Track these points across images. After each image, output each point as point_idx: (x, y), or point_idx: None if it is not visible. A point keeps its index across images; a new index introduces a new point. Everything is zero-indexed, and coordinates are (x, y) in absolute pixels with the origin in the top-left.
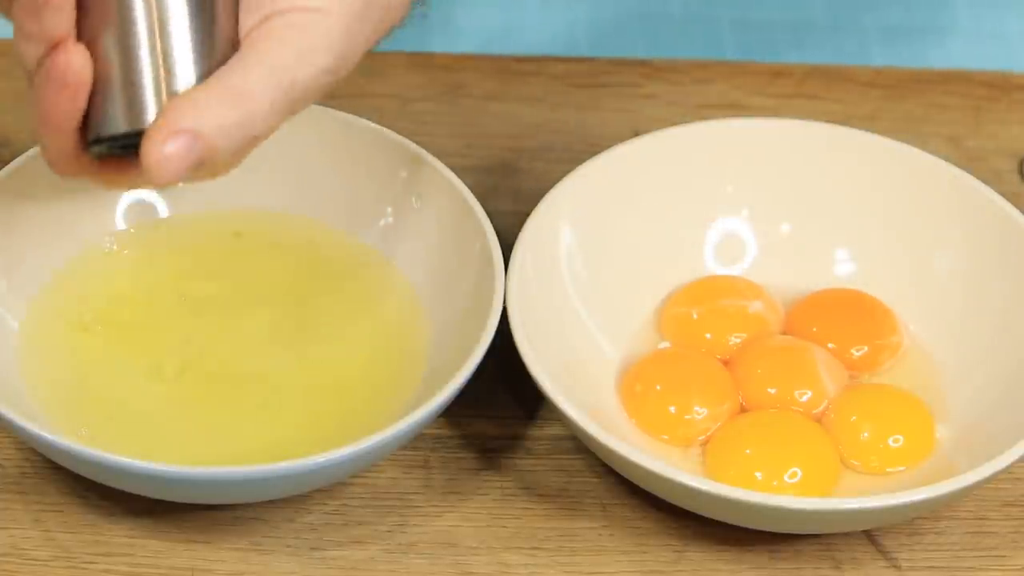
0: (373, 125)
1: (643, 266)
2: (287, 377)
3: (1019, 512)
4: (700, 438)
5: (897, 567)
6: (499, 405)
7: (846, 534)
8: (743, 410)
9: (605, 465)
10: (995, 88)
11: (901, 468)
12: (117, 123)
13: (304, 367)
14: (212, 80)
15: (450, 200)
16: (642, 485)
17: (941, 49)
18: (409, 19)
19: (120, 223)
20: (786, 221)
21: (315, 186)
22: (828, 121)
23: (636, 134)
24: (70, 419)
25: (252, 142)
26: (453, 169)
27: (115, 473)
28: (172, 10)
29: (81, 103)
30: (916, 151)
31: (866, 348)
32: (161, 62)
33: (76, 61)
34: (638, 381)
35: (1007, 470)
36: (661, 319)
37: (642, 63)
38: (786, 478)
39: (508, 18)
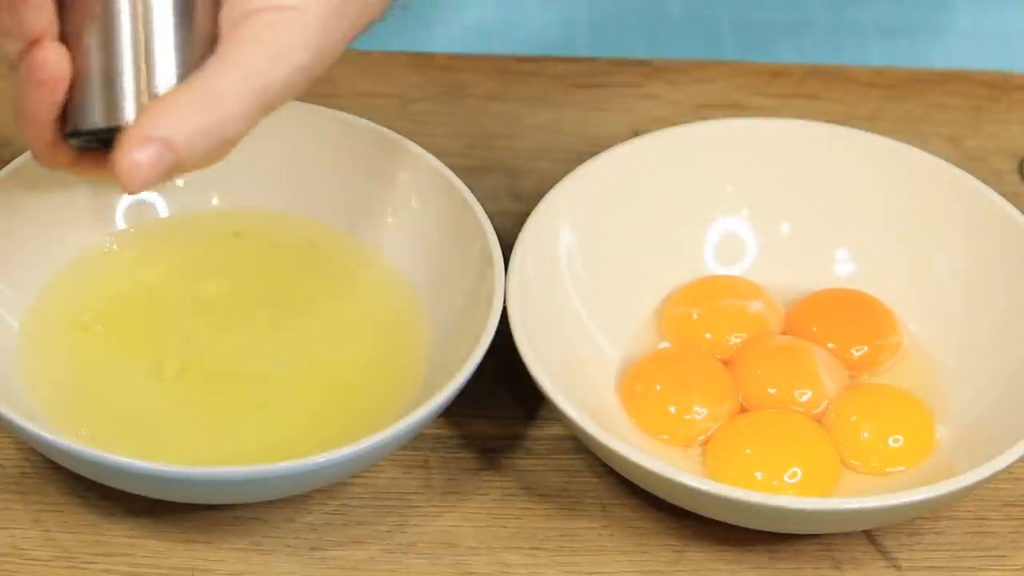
0: (373, 125)
1: (643, 266)
2: (287, 377)
3: (1019, 512)
4: (700, 438)
5: (897, 567)
6: (499, 405)
7: (846, 534)
8: (743, 410)
9: (605, 465)
10: (995, 88)
11: (901, 468)
12: (94, 118)
13: (304, 367)
14: (186, 84)
15: (450, 200)
16: (642, 485)
17: (941, 49)
18: (390, 13)
19: (120, 223)
20: (786, 221)
21: (315, 186)
22: (828, 121)
23: (636, 134)
24: (70, 419)
25: (224, 145)
26: (453, 169)
27: (115, 473)
28: (151, 8)
29: (58, 98)
30: (916, 151)
31: (866, 348)
32: (139, 59)
33: (52, 58)
34: (638, 381)
35: (1007, 470)
36: (661, 319)
37: (642, 63)
38: (786, 478)
39: (508, 18)
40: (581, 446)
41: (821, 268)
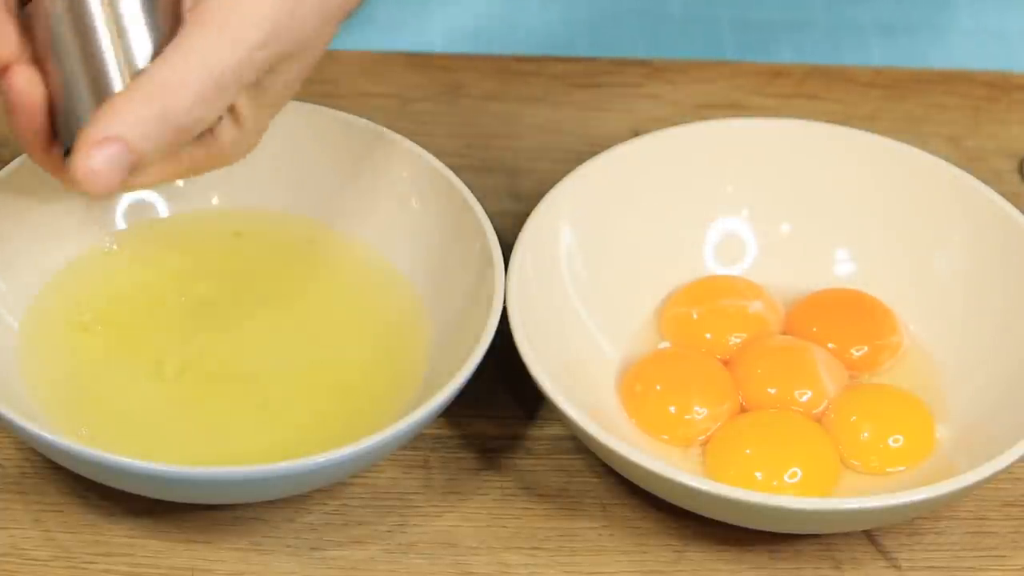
0: (373, 125)
1: (643, 266)
2: (287, 377)
3: (1019, 512)
4: (700, 438)
5: (897, 567)
6: (499, 405)
7: (846, 534)
8: (743, 410)
9: (605, 465)
10: (995, 88)
11: (901, 468)
12: (72, 135)
13: (304, 367)
14: (138, 77)
15: (450, 200)
16: (642, 485)
17: (941, 49)
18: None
19: (120, 223)
20: (786, 221)
21: (315, 186)
22: (828, 121)
23: (636, 134)
24: (70, 419)
25: (182, 134)
26: (453, 169)
27: (115, 473)
28: (122, 17)
29: (36, 119)
30: (916, 151)
31: (866, 348)
32: (116, 69)
33: (21, 83)
34: (638, 381)
35: (1007, 470)
36: (661, 319)
37: (642, 63)
38: (786, 478)
39: (508, 17)
40: (581, 446)
41: (821, 268)
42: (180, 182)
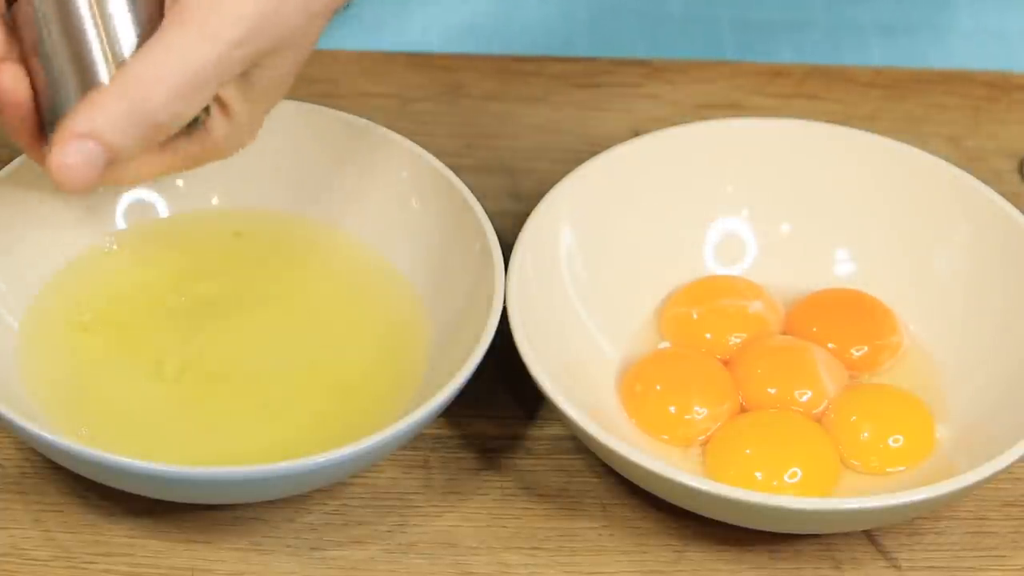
0: (373, 125)
1: (643, 266)
2: (287, 377)
3: (1019, 512)
4: (700, 438)
5: (897, 567)
6: (499, 405)
7: (846, 534)
8: (743, 410)
9: (605, 465)
10: (995, 88)
11: (901, 468)
12: None
13: (304, 367)
14: (115, 73)
15: (450, 200)
16: (642, 485)
17: (941, 49)
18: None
19: (120, 223)
20: (786, 221)
21: (315, 186)
22: (828, 121)
23: (636, 134)
24: (70, 419)
25: (158, 129)
26: (453, 169)
27: (115, 473)
28: (108, 14)
29: (25, 116)
30: (916, 151)
31: (866, 348)
32: (100, 66)
33: (7, 81)
34: (638, 381)
35: (1007, 470)
36: (661, 319)
37: (642, 63)
38: (786, 478)
39: (507, 17)
40: (581, 446)
41: (821, 268)
42: (180, 182)
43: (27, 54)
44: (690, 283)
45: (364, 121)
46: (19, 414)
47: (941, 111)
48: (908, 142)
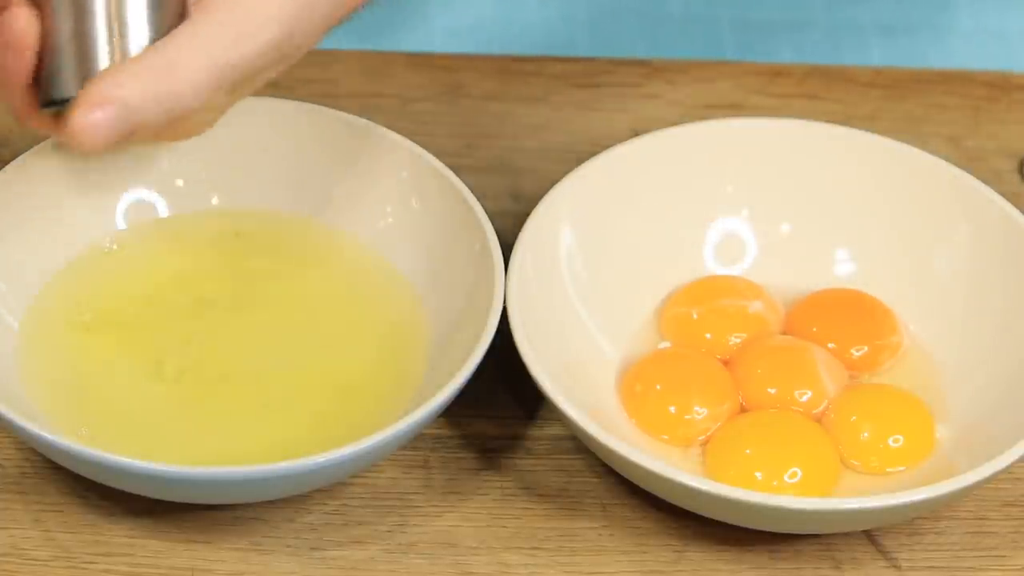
0: (373, 125)
1: (643, 266)
2: (287, 377)
3: (1019, 512)
4: (700, 438)
5: (897, 567)
6: (499, 405)
7: (846, 534)
8: (743, 410)
9: (605, 465)
10: (995, 88)
11: (901, 468)
12: (65, 87)
13: (304, 367)
14: (146, 51)
15: (450, 200)
16: (642, 485)
17: (941, 49)
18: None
19: (120, 223)
20: (786, 221)
21: (315, 186)
22: (828, 121)
23: (636, 134)
24: (70, 419)
25: (184, 115)
26: (453, 169)
27: (115, 473)
28: None
29: (26, 63)
30: (916, 151)
31: (866, 348)
32: (110, 28)
33: (18, 24)
34: (638, 381)
35: (1007, 470)
36: (661, 319)
37: (642, 63)
38: (786, 478)
39: (507, 17)
40: (581, 446)
41: (821, 268)
42: (180, 182)
43: (43, 2)
44: (690, 283)
45: (364, 121)
46: (19, 414)
47: (941, 111)
48: (908, 142)
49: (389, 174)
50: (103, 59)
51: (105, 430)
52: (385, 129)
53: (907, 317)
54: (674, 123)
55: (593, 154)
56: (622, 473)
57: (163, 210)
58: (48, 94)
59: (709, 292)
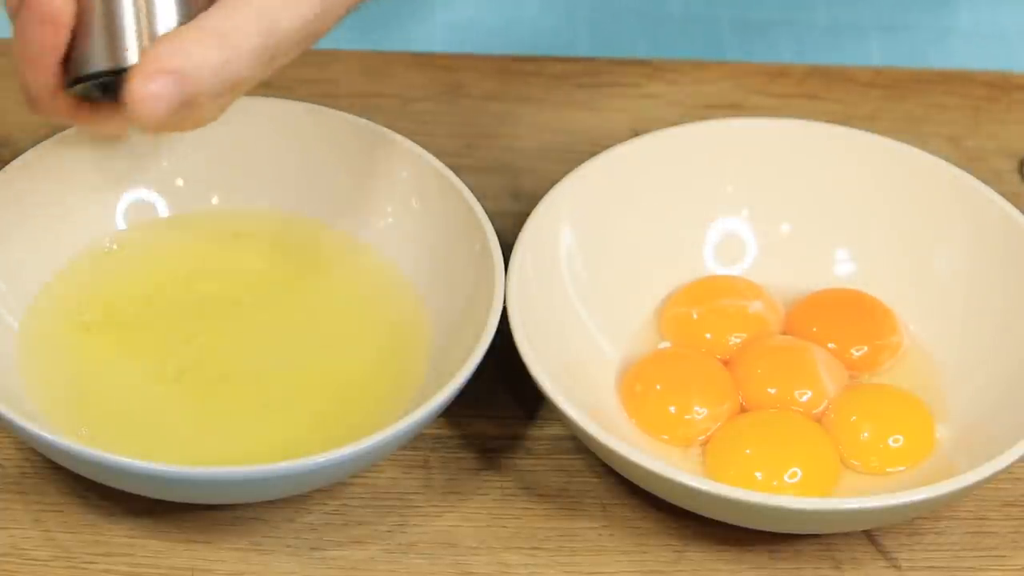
0: (373, 125)
1: (643, 266)
2: (287, 377)
3: (1019, 512)
4: (700, 438)
5: (897, 567)
6: (499, 405)
7: (846, 534)
8: (743, 410)
9: (605, 465)
10: (995, 88)
11: (901, 468)
12: (98, 60)
13: (304, 367)
14: (196, 21)
15: (450, 200)
16: (642, 485)
17: (941, 49)
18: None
19: (120, 223)
20: (786, 221)
21: (315, 186)
22: (828, 121)
23: (636, 134)
24: (70, 419)
25: (235, 87)
26: (453, 169)
27: (115, 473)
28: None
29: (61, 39)
30: (916, 151)
31: (866, 348)
32: (144, 3)
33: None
34: (638, 381)
35: (1007, 470)
36: (661, 319)
37: (642, 63)
38: (786, 478)
39: (508, 17)
40: (581, 446)
41: (821, 268)
42: (180, 181)
43: None
44: (690, 283)
45: (364, 121)
46: (19, 414)
47: (941, 111)
48: (908, 142)
49: (389, 174)
50: (134, 30)
51: (105, 430)
52: (385, 129)
53: (907, 317)
54: (674, 123)
55: (593, 154)
56: (622, 473)
57: (163, 210)
58: (79, 69)
59: (709, 292)
